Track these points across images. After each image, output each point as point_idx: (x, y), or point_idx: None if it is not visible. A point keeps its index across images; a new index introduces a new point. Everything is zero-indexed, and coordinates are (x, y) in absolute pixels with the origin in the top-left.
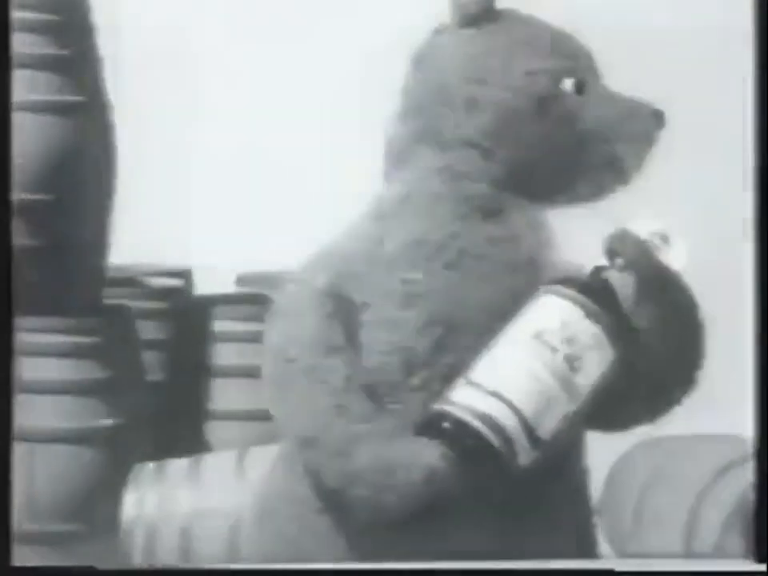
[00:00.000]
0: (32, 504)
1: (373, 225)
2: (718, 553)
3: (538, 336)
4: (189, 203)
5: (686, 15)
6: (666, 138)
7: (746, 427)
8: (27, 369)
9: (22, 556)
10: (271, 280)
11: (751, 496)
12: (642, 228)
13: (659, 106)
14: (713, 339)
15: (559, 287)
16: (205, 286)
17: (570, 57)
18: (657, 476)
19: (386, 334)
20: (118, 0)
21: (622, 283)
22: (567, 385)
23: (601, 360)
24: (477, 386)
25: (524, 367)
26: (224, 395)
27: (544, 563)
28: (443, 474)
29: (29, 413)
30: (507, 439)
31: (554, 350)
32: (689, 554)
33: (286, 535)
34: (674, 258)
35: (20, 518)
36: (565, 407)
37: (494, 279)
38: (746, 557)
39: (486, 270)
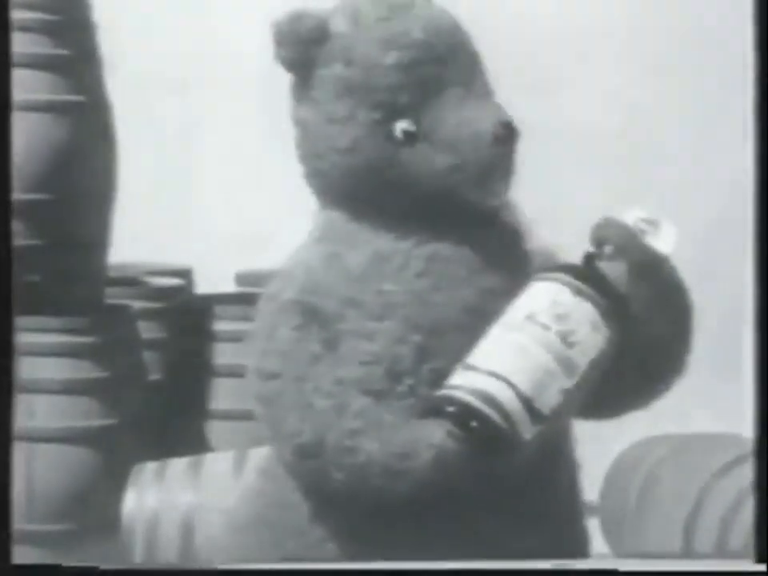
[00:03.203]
0: (32, 503)
1: (322, 246)
2: (718, 553)
3: (529, 317)
4: (189, 203)
5: (686, 15)
6: (668, 136)
7: (746, 427)
8: (27, 369)
9: (21, 555)
10: (271, 280)
11: (751, 496)
12: (630, 214)
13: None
14: (713, 339)
15: (548, 273)
16: (205, 285)
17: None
18: (656, 476)
19: (366, 344)
20: (117, 0)
21: (612, 270)
22: (562, 359)
23: (595, 336)
24: (473, 368)
25: (517, 345)
26: (224, 395)
27: (544, 563)
28: (451, 452)
29: (29, 413)
30: (507, 415)
31: (545, 327)
32: (689, 554)
33: (276, 543)
34: (663, 243)
35: (20, 518)
36: (562, 382)
37: (468, 280)
38: (745, 557)
39: (458, 272)
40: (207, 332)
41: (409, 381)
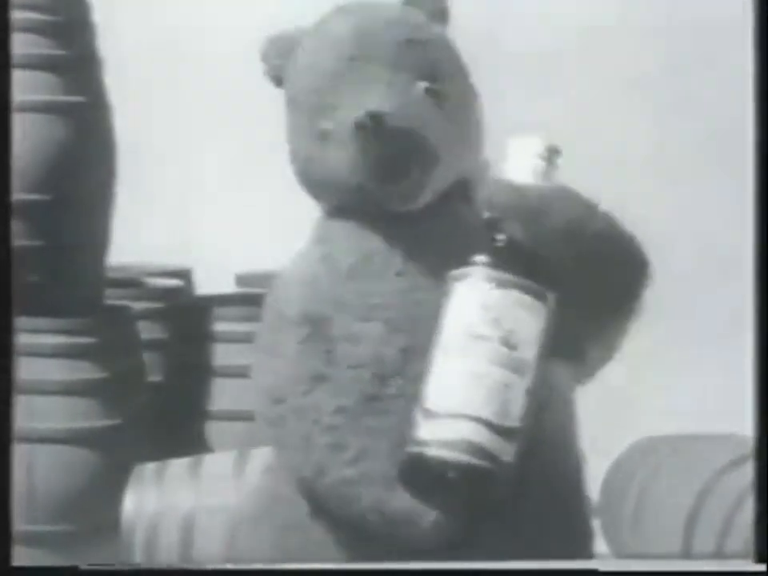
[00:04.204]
0: (31, 504)
1: (321, 246)
2: (718, 553)
3: (467, 334)
4: (189, 203)
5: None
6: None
7: (746, 427)
8: (27, 369)
9: (21, 556)
10: (271, 280)
11: (751, 496)
12: (527, 145)
13: None
14: (713, 339)
15: (463, 270)
16: (205, 286)
17: None
18: (656, 476)
19: (352, 347)
20: (118, 0)
21: (514, 230)
22: (513, 365)
23: (534, 319)
24: (435, 414)
25: (467, 373)
26: (224, 395)
27: (543, 563)
28: (450, 520)
29: (28, 413)
30: (487, 453)
31: (486, 339)
32: (689, 554)
33: (279, 538)
34: (557, 173)
35: (19, 519)
36: (521, 386)
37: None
38: (745, 557)
39: (438, 269)
40: (207, 333)
41: (396, 382)
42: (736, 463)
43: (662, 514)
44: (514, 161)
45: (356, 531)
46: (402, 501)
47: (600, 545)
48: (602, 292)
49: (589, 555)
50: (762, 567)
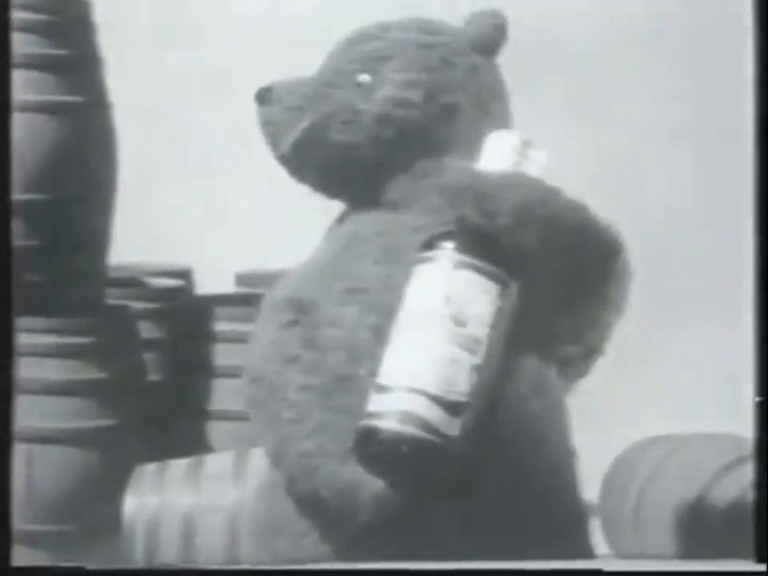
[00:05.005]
0: (31, 504)
1: (322, 237)
2: (718, 553)
3: (418, 310)
4: (189, 203)
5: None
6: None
7: (746, 427)
8: (27, 369)
9: (21, 556)
10: (271, 280)
11: (751, 496)
12: (499, 137)
13: None
14: (713, 339)
15: (426, 253)
16: (205, 286)
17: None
18: (656, 476)
19: (331, 331)
20: (117, 0)
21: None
22: (462, 342)
23: (487, 301)
24: (385, 388)
25: (416, 348)
26: (224, 396)
27: (543, 563)
28: (393, 492)
29: (28, 413)
30: (430, 426)
31: (437, 316)
32: (689, 554)
33: (282, 528)
34: (532, 166)
35: (19, 519)
36: (470, 361)
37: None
38: (745, 557)
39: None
40: (207, 333)
41: (367, 362)
42: (736, 463)
43: (662, 513)
44: (489, 153)
45: (315, 508)
46: (353, 473)
47: (600, 545)
48: (566, 280)
49: (584, 550)
50: (761, 567)
